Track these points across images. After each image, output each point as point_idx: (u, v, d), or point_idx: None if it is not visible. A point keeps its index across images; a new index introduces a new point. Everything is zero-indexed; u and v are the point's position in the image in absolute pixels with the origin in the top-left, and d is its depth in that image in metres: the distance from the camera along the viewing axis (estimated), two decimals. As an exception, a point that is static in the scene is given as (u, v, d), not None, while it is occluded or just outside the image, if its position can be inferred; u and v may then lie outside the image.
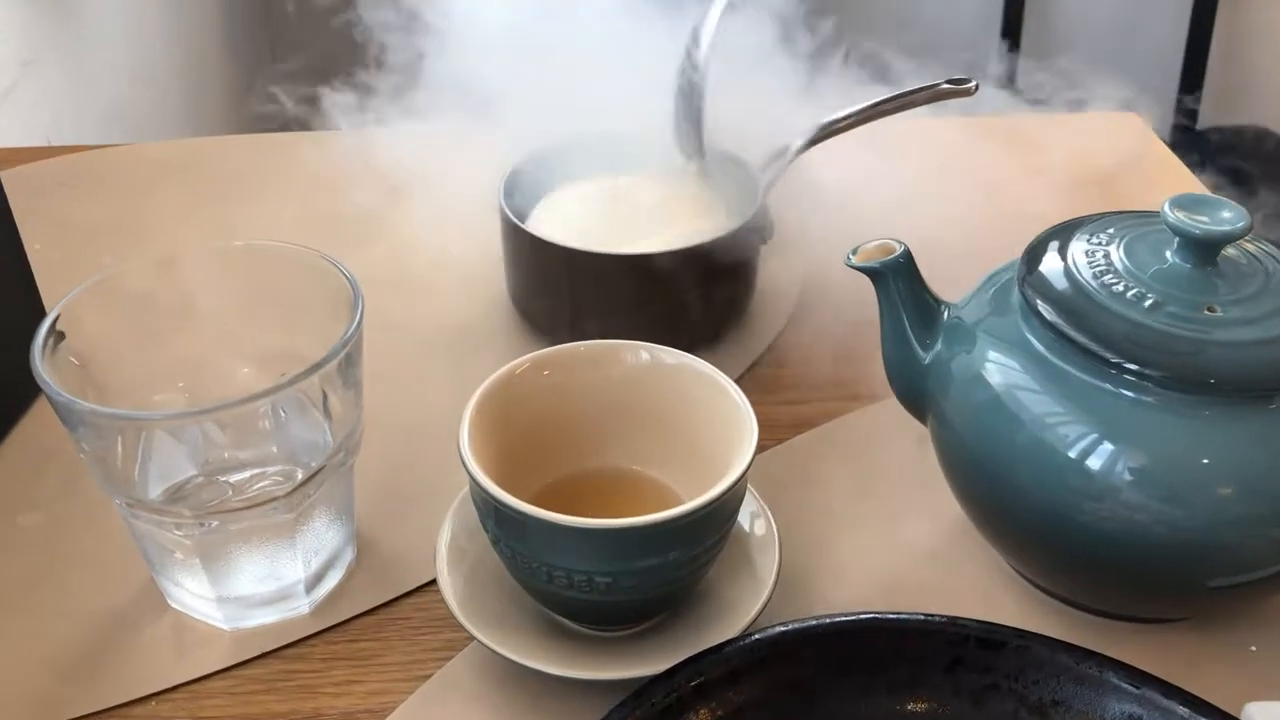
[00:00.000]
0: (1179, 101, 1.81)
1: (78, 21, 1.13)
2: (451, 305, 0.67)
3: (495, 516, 0.43)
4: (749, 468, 0.43)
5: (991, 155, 0.80)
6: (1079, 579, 0.47)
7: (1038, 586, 0.50)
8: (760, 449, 0.45)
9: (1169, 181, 0.79)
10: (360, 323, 0.46)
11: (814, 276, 0.68)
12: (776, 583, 0.46)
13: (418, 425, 0.57)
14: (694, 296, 0.61)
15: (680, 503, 0.47)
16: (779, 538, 0.48)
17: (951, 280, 0.52)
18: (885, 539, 0.53)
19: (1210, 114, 1.86)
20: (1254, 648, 0.47)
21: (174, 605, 0.49)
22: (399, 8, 0.70)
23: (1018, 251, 0.50)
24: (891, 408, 0.53)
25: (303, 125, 0.82)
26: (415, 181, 0.70)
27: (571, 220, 0.62)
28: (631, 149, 0.65)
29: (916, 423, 0.52)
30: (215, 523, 0.45)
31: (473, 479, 0.43)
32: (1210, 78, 1.86)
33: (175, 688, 0.47)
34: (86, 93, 1.11)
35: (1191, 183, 0.79)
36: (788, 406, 0.60)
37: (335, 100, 0.74)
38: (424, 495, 0.53)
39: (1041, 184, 0.77)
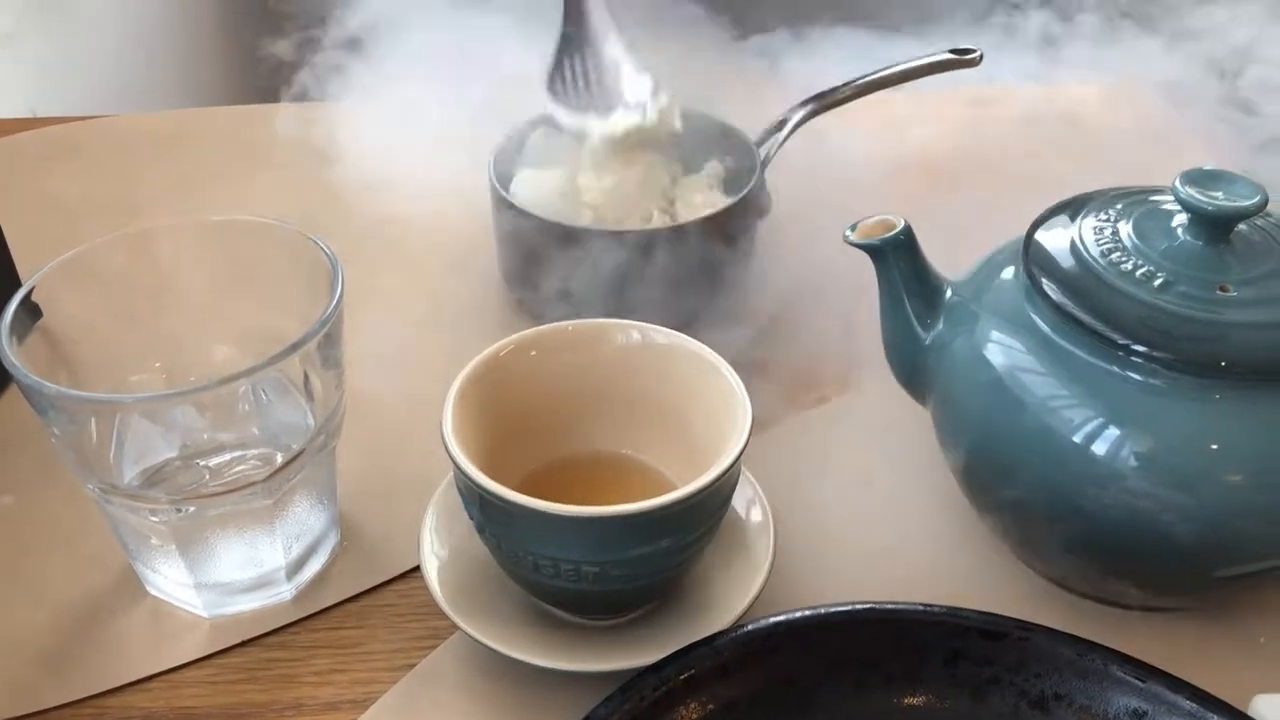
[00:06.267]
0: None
1: (64, -10, 1.10)
2: (440, 282, 0.65)
3: (479, 504, 0.41)
4: (743, 453, 0.42)
5: (995, 126, 0.78)
6: (1083, 567, 0.46)
7: (1041, 574, 0.48)
8: (756, 431, 0.43)
9: (1178, 152, 0.77)
10: (340, 300, 0.44)
11: (813, 252, 0.67)
12: (771, 571, 0.45)
13: (404, 406, 0.56)
14: (689, 273, 0.59)
15: (672, 488, 0.46)
16: (774, 524, 0.47)
17: (953, 256, 0.51)
18: (884, 524, 0.51)
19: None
20: (1263, 639, 0.46)
21: (152, 592, 0.48)
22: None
23: (1021, 227, 0.48)
24: (891, 389, 0.51)
25: (295, 96, 0.80)
26: (407, 154, 0.68)
27: (559, 194, 0.60)
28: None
29: (917, 405, 0.50)
30: (192, 508, 0.44)
31: (456, 465, 0.41)
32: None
33: (152, 677, 0.45)
34: (72, 63, 1.09)
35: (1201, 153, 0.77)
36: (785, 387, 0.59)
37: (329, 70, 0.72)
38: (410, 478, 0.51)
39: (1047, 156, 0.75)
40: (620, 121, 0.59)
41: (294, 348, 0.42)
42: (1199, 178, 0.43)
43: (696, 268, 0.59)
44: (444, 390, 0.44)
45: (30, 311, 0.45)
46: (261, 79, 0.80)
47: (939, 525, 0.51)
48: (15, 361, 0.41)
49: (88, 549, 0.49)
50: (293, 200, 0.73)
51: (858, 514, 0.52)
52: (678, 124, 0.61)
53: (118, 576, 0.49)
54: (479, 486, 0.40)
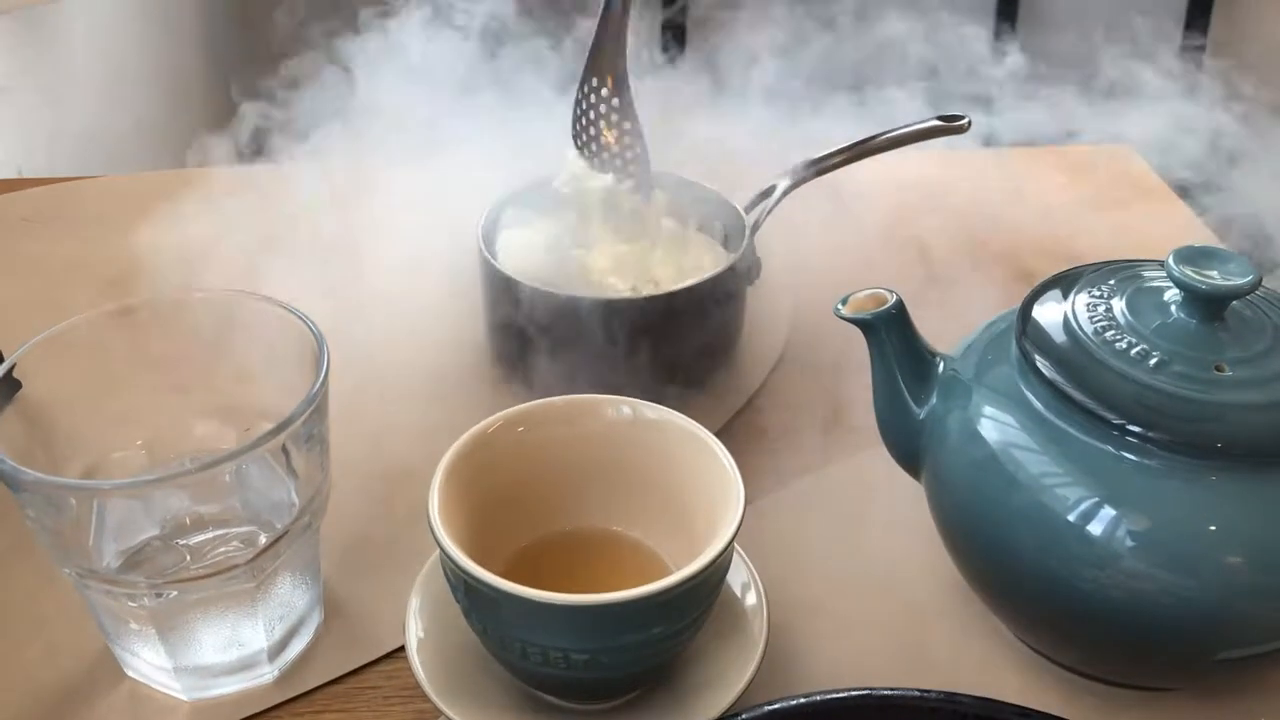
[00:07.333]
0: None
1: (53, 48, 1.10)
2: (427, 350, 0.65)
3: (465, 589, 0.40)
4: (735, 536, 0.41)
5: (983, 191, 0.78)
6: (1080, 647, 0.45)
7: (1039, 651, 0.48)
8: (746, 501, 0.42)
9: (1165, 216, 0.77)
10: (326, 380, 0.44)
11: (802, 318, 0.66)
12: (764, 654, 0.44)
13: (390, 477, 0.55)
14: (678, 340, 0.59)
15: (663, 566, 0.45)
16: (767, 603, 0.46)
17: (944, 328, 0.50)
18: (878, 598, 0.50)
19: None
20: (1263, 719, 0.45)
21: (130, 674, 0.47)
22: (381, 43, 0.68)
23: (1014, 297, 0.48)
24: (884, 457, 0.50)
25: (280, 157, 0.80)
26: (393, 219, 0.68)
27: (546, 262, 0.60)
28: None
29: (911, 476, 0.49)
30: (173, 593, 0.43)
31: (443, 550, 0.40)
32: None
33: (129, 764, 0.44)
34: (61, 121, 1.09)
35: (1188, 216, 0.77)
36: (775, 454, 0.58)
37: (316, 134, 0.72)
38: (395, 553, 0.51)
39: (1036, 221, 0.75)
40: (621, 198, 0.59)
41: (280, 428, 0.42)
42: (1192, 255, 0.43)
43: (684, 335, 0.59)
44: (433, 460, 0.43)
45: (9, 384, 0.44)
46: (248, 141, 0.79)
47: (935, 601, 0.50)
48: (-10, 446, 0.40)
49: (65, 630, 0.48)
50: (280, 263, 0.72)
51: (851, 588, 0.51)
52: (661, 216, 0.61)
53: (95, 658, 0.47)
54: (465, 573, 0.39)
